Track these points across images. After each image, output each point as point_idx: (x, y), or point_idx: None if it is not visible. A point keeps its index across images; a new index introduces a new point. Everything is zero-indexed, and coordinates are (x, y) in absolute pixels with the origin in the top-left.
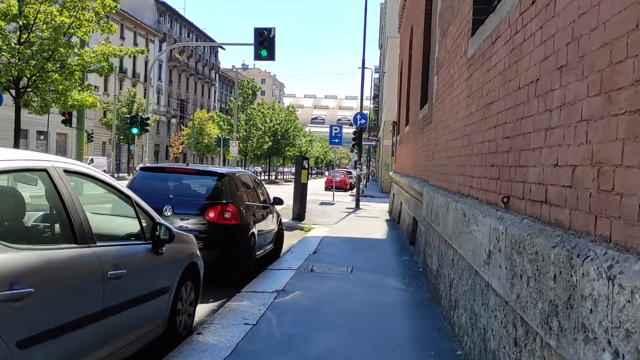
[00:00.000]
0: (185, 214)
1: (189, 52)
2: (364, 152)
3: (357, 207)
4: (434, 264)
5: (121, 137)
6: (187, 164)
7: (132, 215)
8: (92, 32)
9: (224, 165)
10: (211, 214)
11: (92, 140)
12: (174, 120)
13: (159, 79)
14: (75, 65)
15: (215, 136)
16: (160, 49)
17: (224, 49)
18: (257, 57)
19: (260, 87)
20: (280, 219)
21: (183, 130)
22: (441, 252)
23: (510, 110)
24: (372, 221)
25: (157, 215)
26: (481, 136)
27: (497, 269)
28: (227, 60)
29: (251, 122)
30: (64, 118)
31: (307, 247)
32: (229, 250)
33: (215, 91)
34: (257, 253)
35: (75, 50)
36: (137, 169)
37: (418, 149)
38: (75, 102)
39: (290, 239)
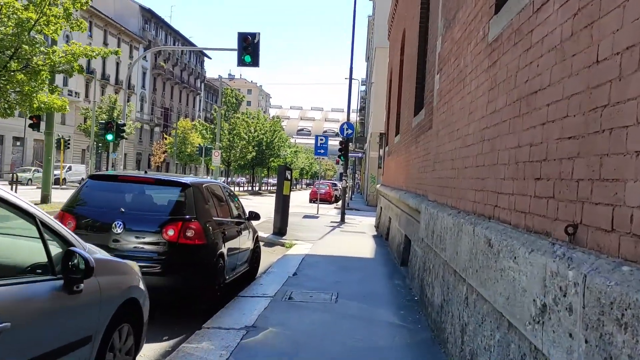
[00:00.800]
0: (140, 231)
1: (174, 61)
2: (349, 164)
3: (343, 221)
4: (437, 297)
5: (100, 144)
6: (146, 172)
7: (43, 239)
8: (61, 30)
9: (207, 175)
10: (170, 232)
11: (68, 147)
12: (157, 129)
13: (143, 86)
14: (41, 64)
15: (197, 145)
16: (145, 57)
17: (210, 58)
18: (241, 62)
19: (244, 96)
20: (257, 236)
21: (166, 139)
22: (447, 285)
23: (576, 98)
24: (358, 237)
25: (78, 239)
26: (515, 139)
27: (562, 336)
28: (214, 70)
29: (235, 132)
30: (31, 122)
31: (286, 267)
32: (192, 275)
33: (200, 100)
34: (228, 277)
35: (42, 49)
36: (85, 177)
37: (411, 159)
38: (42, 105)
39: (269, 256)
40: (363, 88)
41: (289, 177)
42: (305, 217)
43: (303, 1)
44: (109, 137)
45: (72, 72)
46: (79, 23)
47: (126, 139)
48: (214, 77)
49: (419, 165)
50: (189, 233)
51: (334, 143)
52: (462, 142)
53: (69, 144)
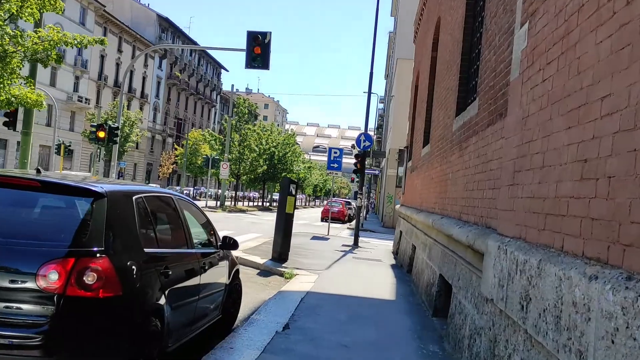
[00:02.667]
0: (2, 272)
1: (190, 71)
2: (366, 181)
3: (356, 244)
4: None
5: (104, 152)
6: (38, 171)
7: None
8: (32, 9)
9: (218, 188)
10: (52, 276)
11: (68, 154)
12: (170, 140)
13: (157, 95)
14: (12, 51)
15: (204, 155)
16: (160, 66)
17: (227, 71)
18: (250, 64)
19: (257, 107)
20: (237, 270)
21: (177, 149)
22: None
23: None
24: (374, 267)
25: None
26: None
27: None
28: (232, 83)
29: (245, 143)
30: (6, 120)
31: (278, 314)
32: (93, 352)
33: (215, 113)
34: (172, 343)
35: (8, 30)
36: None
37: (451, 173)
38: (13, 98)
39: (260, 291)
40: (381, 106)
41: (294, 193)
42: (314, 238)
43: (322, 17)
44: (100, 141)
45: (48, 62)
46: (53, 2)
47: (115, 143)
48: (232, 91)
49: (466, 179)
50: (89, 278)
51: (349, 161)
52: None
53: (69, 149)
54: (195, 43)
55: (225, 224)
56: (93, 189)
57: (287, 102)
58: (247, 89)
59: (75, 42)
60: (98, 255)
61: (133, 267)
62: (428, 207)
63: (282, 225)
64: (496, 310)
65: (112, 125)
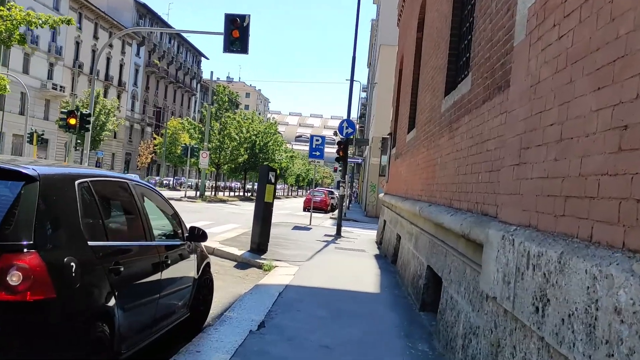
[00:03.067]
0: None
1: (169, 59)
2: (348, 170)
3: (339, 234)
4: None
5: (78, 140)
6: None
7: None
8: None
9: (199, 178)
10: None
11: (42, 143)
12: (149, 129)
13: (135, 84)
14: None
15: (182, 144)
16: (138, 53)
17: (207, 58)
18: (228, 48)
19: (237, 95)
20: (208, 263)
21: (155, 139)
22: None
23: None
24: (357, 258)
25: None
26: None
27: None
28: (211, 70)
29: (225, 132)
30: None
31: (253, 310)
32: None
33: (196, 101)
34: (126, 349)
35: None
36: None
37: (440, 157)
38: None
39: (237, 284)
40: (364, 95)
41: (273, 181)
42: (296, 228)
43: (304, 5)
44: (70, 128)
45: (10, 43)
46: None
47: (87, 130)
48: (213, 80)
49: (457, 163)
50: (13, 278)
51: (332, 150)
52: None
53: (42, 138)
54: (173, 29)
55: (203, 215)
56: (23, 171)
57: (269, 91)
58: (228, 77)
59: (40, 21)
60: (25, 250)
61: (72, 264)
62: (414, 195)
63: (261, 215)
64: (499, 310)
65: (84, 112)
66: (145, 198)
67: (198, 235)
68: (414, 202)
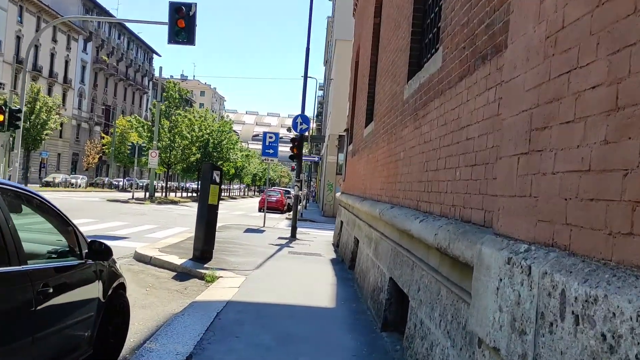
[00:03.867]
0: None
1: (118, 56)
2: (304, 169)
3: (294, 236)
4: None
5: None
6: None
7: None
8: None
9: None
10: None
11: None
12: (97, 128)
13: (82, 81)
14: None
15: (129, 143)
16: (85, 49)
17: (159, 55)
18: (173, 39)
19: (189, 92)
20: (120, 284)
21: (103, 138)
22: None
23: None
24: (312, 263)
25: None
26: None
27: None
28: (161, 66)
29: (176, 130)
30: None
31: (181, 339)
32: None
33: (147, 99)
34: None
35: None
36: None
37: (404, 152)
38: None
39: (170, 301)
40: (320, 93)
41: (217, 180)
42: (248, 230)
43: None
44: None
45: None
46: None
47: (17, 127)
48: (165, 77)
49: (426, 157)
50: None
51: (288, 149)
52: None
53: None
54: (124, 25)
55: (149, 218)
56: None
57: (225, 90)
58: (182, 75)
59: None
60: None
61: None
62: (373, 195)
63: (205, 219)
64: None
65: (13, 108)
66: (21, 207)
67: (99, 251)
68: (374, 203)
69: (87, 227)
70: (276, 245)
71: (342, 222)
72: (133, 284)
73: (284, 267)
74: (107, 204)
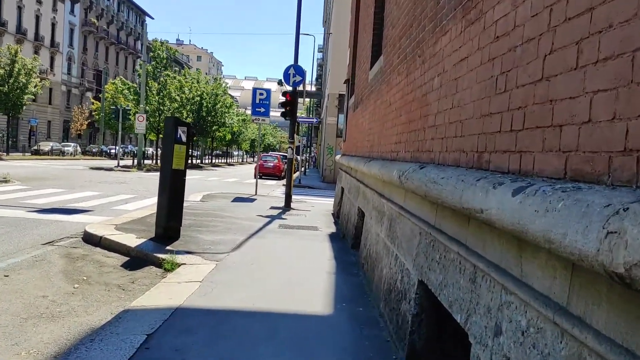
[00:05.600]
0: None
1: (108, 18)
2: (303, 132)
3: (288, 206)
4: None
5: None
6: None
7: None
8: None
9: (146, 147)
10: None
11: None
12: (89, 94)
13: (70, 44)
14: None
15: (111, 107)
16: (72, 11)
17: (152, 18)
18: None
19: (177, 51)
20: None
21: (94, 103)
22: None
23: None
24: (305, 240)
25: None
26: None
27: None
28: (162, 34)
29: (165, 92)
30: None
31: None
32: None
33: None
34: None
35: None
36: None
37: (441, 75)
38: None
39: (101, 306)
40: (320, 55)
41: (183, 139)
42: (237, 199)
43: None
44: None
45: None
46: None
47: None
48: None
49: (503, 67)
50: None
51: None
52: None
53: None
54: None
55: (128, 187)
56: None
57: (223, 55)
58: (177, 40)
59: None
60: None
61: None
62: (385, 152)
63: (168, 187)
64: None
65: None
66: None
67: None
68: (386, 163)
69: (51, 197)
70: (266, 217)
71: (342, 189)
72: (60, 278)
73: (270, 247)
74: (89, 172)
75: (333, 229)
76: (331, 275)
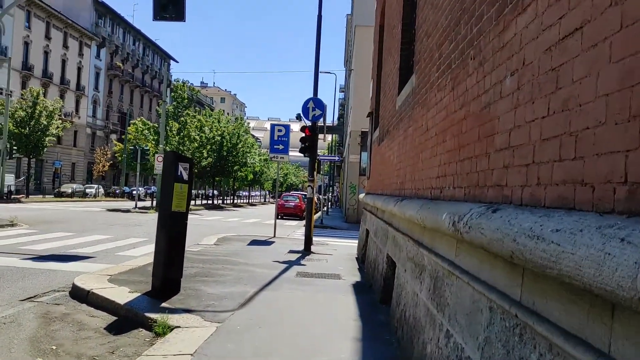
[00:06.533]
0: None
1: (134, 62)
2: (325, 171)
3: (307, 250)
4: None
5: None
6: None
7: None
8: None
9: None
10: None
11: None
12: (113, 136)
13: (96, 88)
14: None
15: (130, 148)
16: (98, 55)
17: (177, 62)
18: (159, 14)
19: (199, 91)
20: None
21: (116, 145)
22: None
23: None
24: (326, 293)
25: None
26: None
27: None
28: (187, 77)
29: (184, 132)
30: None
31: None
32: None
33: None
34: None
35: None
36: None
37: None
38: None
39: None
40: (341, 95)
41: (185, 177)
42: (253, 242)
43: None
44: None
45: None
46: None
47: None
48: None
49: None
50: None
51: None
52: None
53: None
54: (138, 31)
55: (142, 229)
56: None
57: (246, 96)
58: (202, 82)
59: None
60: None
61: None
62: (422, 189)
63: (166, 233)
64: None
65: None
66: None
67: None
68: (428, 203)
69: (54, 242)
70: (283, 262)
71: (367, 231)
72: (23, 348)
73: (284, 302)
74: (104, 214)
75: (357, 276)
76: (357, 342)
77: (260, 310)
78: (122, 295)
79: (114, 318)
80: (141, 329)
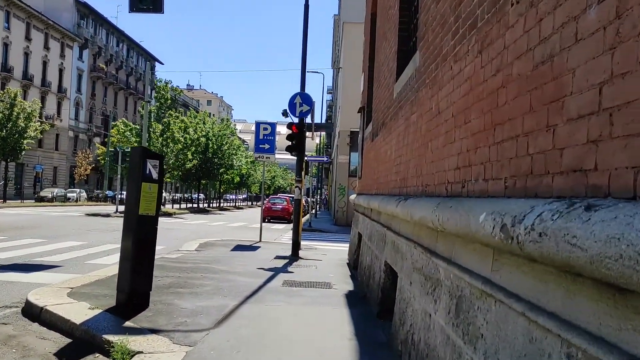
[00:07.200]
0: None
1: (117, 64)
2: (313, 173)
3: (295, 255)
4: None
5: None
6: None
7: None
8: None
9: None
10: None
11: None
12: (97, 139)
13: (78, 90)
14: None
15: (111, 149)
16: (80, 57)
17: (162, 63)
18: (135, 5)
19: (182, 91)
20: None
21: (99, 148)
22: None
23: None
24: (316, 306)
25: None
26: None
27: None
28: (173, 79)
29: (168, 133)
30: None
31: None
32: None
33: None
34: None
35: None
36: None
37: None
38: None
39: None
40: (329, 97)
41: (155, 176)
42: (237, 248)
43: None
44: None
45: None
46: None
47: None
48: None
49: None
50: None
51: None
52: None
53: None
54: (122, 32)
55: (118, 235)
56: None
57: (233, 99)
58: (188, 85)
59: None
60: None
61: None
62: (434, 184)
63: (133, 239)
64: None
65: None
66: None
67: None
68: (447, 201)
69: (20, 250)
70: (268, 270)
71: (359, 235)
72: None
73: (268, 317)
74: (83, 219)
75: (350, 285)
76: None
77: (239, 330)
78: (80, 312)
79: (69, 340)
80: (98, 355)
